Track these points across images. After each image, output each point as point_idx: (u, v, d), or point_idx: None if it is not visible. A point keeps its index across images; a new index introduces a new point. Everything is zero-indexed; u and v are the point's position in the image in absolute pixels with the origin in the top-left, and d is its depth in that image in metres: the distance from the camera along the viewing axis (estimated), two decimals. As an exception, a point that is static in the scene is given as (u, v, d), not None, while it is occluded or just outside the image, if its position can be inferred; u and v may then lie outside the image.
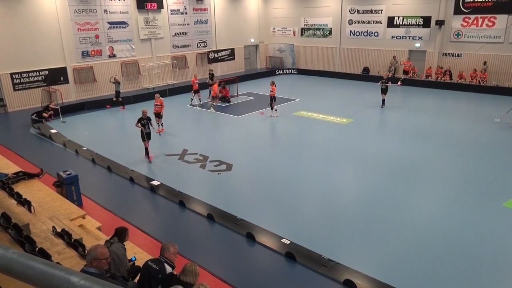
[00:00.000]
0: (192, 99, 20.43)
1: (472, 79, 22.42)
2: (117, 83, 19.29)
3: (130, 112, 19.35)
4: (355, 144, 14.10)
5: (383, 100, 18.84)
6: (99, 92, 21.96)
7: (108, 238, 5.47)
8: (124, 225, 8.79)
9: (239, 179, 11.41)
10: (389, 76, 23.66)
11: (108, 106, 19.88)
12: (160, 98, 15.60)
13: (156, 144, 14.60)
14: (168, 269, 4.62)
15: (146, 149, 12.60)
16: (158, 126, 15.38)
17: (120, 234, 5.42)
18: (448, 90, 22.48)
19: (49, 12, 19.62)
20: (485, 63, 22.52)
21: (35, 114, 17.23)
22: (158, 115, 15.47)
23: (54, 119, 17.69)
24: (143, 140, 12.53)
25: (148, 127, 12.45)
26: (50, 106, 18.05)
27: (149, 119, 12.49)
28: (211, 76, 21.11)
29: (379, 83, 18.96)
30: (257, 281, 6.97)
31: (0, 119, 18.23)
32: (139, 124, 12.31)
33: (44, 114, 17.46)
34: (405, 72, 24.56)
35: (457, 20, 22.69)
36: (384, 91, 18.77)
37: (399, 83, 23.62)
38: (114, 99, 19.61)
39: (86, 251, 4.24)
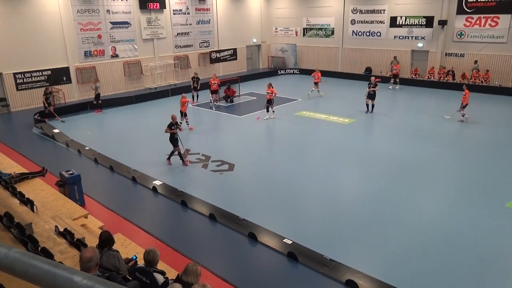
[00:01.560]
0: (214, 100, 19.98)
1: (475, 79, 22.36)
2: (97, 86, 19.11)
3: (132, 112, 19.41)
4: (358, 144, 14.08)
5: (372, 106, 17.72)
6: (101, 92, 21.88)
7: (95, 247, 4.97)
8: (126, 224, 8.86)
9: (241, 179, 11.41)
10: (394, 78, 23.51)
11: (98, 111, 19.27)
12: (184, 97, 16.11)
13: (158, 143, 14.62)
14: (160, 278, 4.39)
15: (180, 153, 12.16)
16: (181, 124, 15.67)
17: (108, 242, 5.04)
18: (451, 90, 22.39)
19: (52, 12, 19.68)
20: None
21: (37, 114, 17.28)
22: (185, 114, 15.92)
23: (51, 119, 17.60)
24: (175, 146, 12.06)
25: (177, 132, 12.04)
26: (50, 90, 17.97)
27: (178, 124, 12.14)
28: (196, 79, 20.24)
29: (366, 91, 17.70)
30: (259, 281, 6.97)
31: (3, 119, 18.31)
32: (169, 130, 11.87)
33: (49, 108, 17.47)
34: (394, 76, 23.40)
35: (460, 20, 22.63)
36: (372, 96, 17.62)
37: (377, 79, 23.13)
38: (100, 101, 19.28)
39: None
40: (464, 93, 16.14)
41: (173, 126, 11.92)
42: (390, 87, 23.12)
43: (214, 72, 24.77)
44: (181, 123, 15.61)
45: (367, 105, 17.82)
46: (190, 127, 15.94)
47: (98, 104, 19.18)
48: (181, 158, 12.25)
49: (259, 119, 17.25)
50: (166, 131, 11.98)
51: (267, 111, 17.16)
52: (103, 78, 22.04)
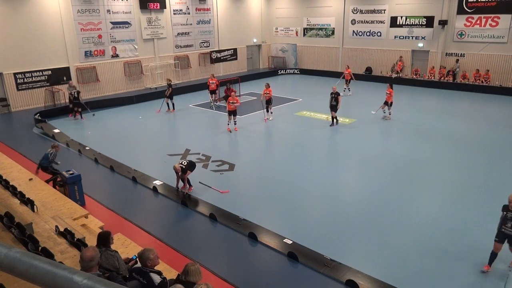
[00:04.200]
0: (214, 100, 19.88)
1: (475, 79, 22.37)
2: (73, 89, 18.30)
3: (132, 112, 19.39)
4: (358, 144, 14.08)
5: (334, 118, 15.89)
6: (102, 92, 22.03)
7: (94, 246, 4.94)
8: (126, 224, 8.87)
9: (241, 179, 11.41)
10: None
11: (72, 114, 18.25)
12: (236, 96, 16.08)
13: (159, 144, 14.64)
14: (156, 279, 4.36)
15: (182, 179, 10.45)
16: (235, 124, 15.79)
17: (106, 240, 5.06)
18: (451, 90, 22.43)
19: (52, 12, 19.69)
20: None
21: (38, 114, 17.30)
22: (234, 113, 15.61)
23: (82, 117, 17.82)
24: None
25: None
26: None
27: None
28: (168, 86, 18.81)
29: (331, 101, 15.73)
30: (259, 281, 6.97)
31: (3, 119, 18.32)
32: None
33: (75, 108, 17.67)
34: (346, 81, 21.87)
35: (460, 20, 22.62)
36: (333, 107, 15.63)
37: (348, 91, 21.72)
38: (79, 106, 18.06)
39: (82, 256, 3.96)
40: (388, 92, 16.45)
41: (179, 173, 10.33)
42: (347, 93, 21.53)
43: (213, 72, 24.77)
44: (233, 122, 15.76)
45: (333, 118, 15.92)
46: (235, 128, 15.71)
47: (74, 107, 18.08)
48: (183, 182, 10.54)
49: (267, 121, 16.94)
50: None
51: (267, 111, 17.11)
52: (103, 78, 22.06)
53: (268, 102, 16.98)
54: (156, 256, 4.56)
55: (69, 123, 17.37)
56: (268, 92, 16.81)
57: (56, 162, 10.67)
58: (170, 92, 18.67)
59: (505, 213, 6.79)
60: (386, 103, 16.68)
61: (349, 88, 21.87)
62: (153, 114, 18.83)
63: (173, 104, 19.04)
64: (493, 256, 6.88)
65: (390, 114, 16.82)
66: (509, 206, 6.73)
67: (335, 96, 15.60)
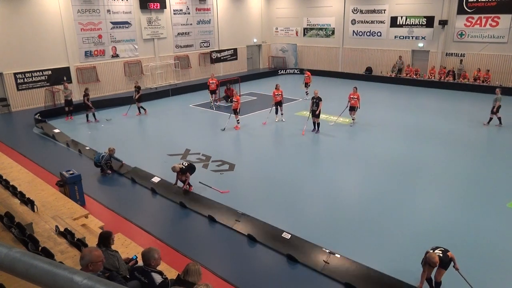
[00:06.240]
0: (214, 100, 19.92)
1: (474, 80, 22.37)
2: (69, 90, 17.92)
3: (132, 112, 19.37)
4: (358, 144, 14.07)
5: (317, 124, 15.13)
6: (102, 92, 22.04)
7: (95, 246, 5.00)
8: (126, 224, 8.87)
9: (242, 179, 11.41)
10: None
11: (70, 118, 17.96)
12: (237, 94, 16.18)
13: (159, 143, 14.63)
14: (157, 278, 4.36)
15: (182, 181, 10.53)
16: (238, 122, 16.09)
17: (106, 240, 5.07)
18: (452, 90, 22.43)
19: (53, 12, 19.70)
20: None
21: (38, 114, 17.29)
22: (235, 112, 15.89)
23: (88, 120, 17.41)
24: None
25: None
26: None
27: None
28: (136, 90, 18.39)
29: (309, 108, 15.27)
30: (259, 281, 6.97)
31: (3, 119, 18.32)
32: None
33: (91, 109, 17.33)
34: (306, 85, 21.17)
35: (461, 20, 22.63)
36: (315, 113, 14.95)
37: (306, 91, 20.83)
38: (72, 108, 17.80)
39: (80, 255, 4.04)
40: (355, 97, 15.90)
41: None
42: (306, 97, 20.67)
43: (213, 72, 24.78)
44: (238, 121, 16.07)
45: (314, 123, 15.20)
46: (236, 126, 15.92)
47: (70, 110, 17.75)
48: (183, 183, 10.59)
49: (266, 124, 16.64)
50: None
51: (276, 113, 16.92)
52: (103, 78, 22.06)
53: (279, 104, 16.76)
54: (160, 256, 4.58)
55: (69, 123, 17.34)
56: (279, 93, 16.54)
57: (108, 164, 11.61)
58: (138, 96, 18.33)
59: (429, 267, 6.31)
60: (352, 108, 15.97)
61: (307, 92, 20.94)
62: (153, 114, 18.82)
63: (139, 108, 18.55)
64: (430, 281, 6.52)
65: (353, 119, 16.19)
66: (430, 263, 6.26)
67: (316, 101, 14.91)
